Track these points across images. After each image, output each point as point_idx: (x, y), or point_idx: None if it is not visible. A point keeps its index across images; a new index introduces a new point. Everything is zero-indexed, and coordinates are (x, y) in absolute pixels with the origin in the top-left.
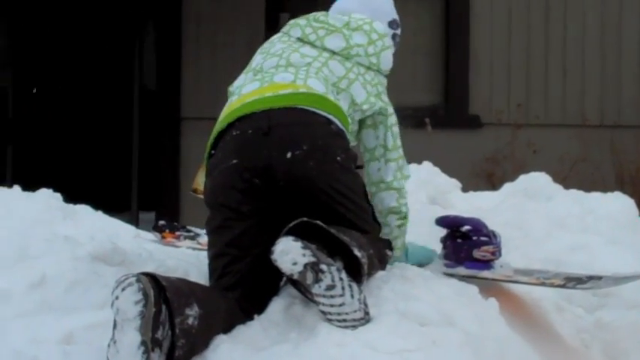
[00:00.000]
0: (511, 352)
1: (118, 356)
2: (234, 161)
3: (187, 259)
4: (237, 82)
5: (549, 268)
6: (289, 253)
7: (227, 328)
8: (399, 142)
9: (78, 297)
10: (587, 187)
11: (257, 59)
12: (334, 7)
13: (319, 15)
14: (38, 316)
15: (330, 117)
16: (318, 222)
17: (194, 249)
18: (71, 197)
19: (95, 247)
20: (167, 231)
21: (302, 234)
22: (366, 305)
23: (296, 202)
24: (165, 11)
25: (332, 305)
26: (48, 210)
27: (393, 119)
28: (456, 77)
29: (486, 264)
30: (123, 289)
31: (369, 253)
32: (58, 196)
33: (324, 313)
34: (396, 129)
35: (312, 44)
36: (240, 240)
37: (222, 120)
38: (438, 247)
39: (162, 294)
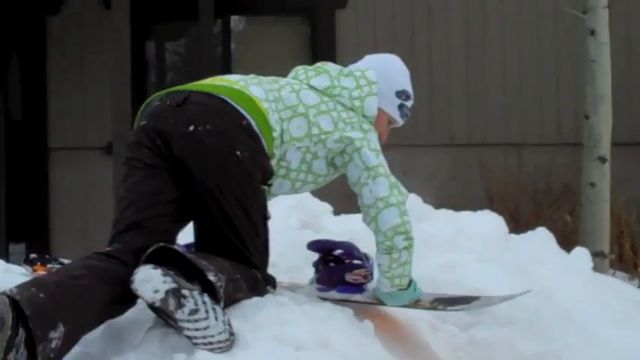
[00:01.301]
0: None
1: None
2: (144, 122)
3: None
4: None
5: (422, 288)
6: (150, 282)
7: (110, 312)
8: (381, 159)
9: None
10: (457, 206)
11: None
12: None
13: (321, 63)
14: None
15: (248, 116)
16: (175, 247)
17: None
18: None
19: None
20: (39, 264)
21: (161, 257)
22: (230, 326)
23: (187, 174)
24: (29, 43)
25: (197, 329)
26: None
27: (368, 144)
28: None
29: (359, 287)
30: None
31: (234, 277)
32: None
33: (189, 337)
34: (370, 152)
35: (297, 80)
36: (139, 185)
37: (158, 93)
38: (310, 272)
39: (21, 318)
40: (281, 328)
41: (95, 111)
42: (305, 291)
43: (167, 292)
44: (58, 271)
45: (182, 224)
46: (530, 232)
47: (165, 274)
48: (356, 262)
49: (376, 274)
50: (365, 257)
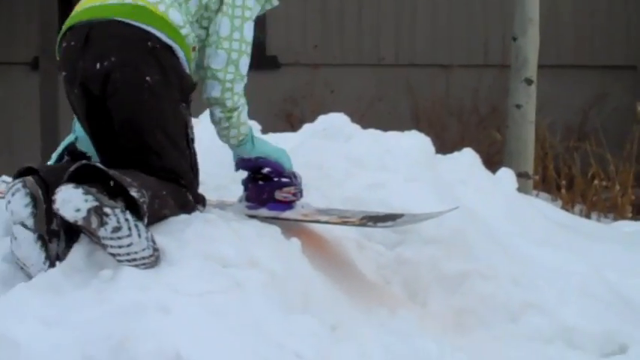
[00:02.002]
0: (315, 290)
1: (20, 251)
2: (64, 73)
3: None
4: None
5: (349, 207)
6: (71, 201)
7: None
8: (237, 36)
9: None
10: (385, 125)
11: None
12: None
13: None
14: None
15: (153, 31)
16: (97, 164)
17: None
18: None
19: None
20: None
21: (85, 176)
22: (154, 242)
23: (110, 112)
24: None
25: (120, 246)
26: None
27: (238, 12)
28: None
29: (288, 205)
30: (13, 194)
31: (160, 193)
32: None
33: (113, 255)
34: (239, 22)
35: None
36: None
37: (64, 26)
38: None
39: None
40: (208, 245)
41: (21, 25)
42: (233, 209)
43: (89, 211)
44: None
45: None
46: (456, 153)
47: (86, 193)
48: (285, 179)
49: (305, 192)
50: (293, 175)
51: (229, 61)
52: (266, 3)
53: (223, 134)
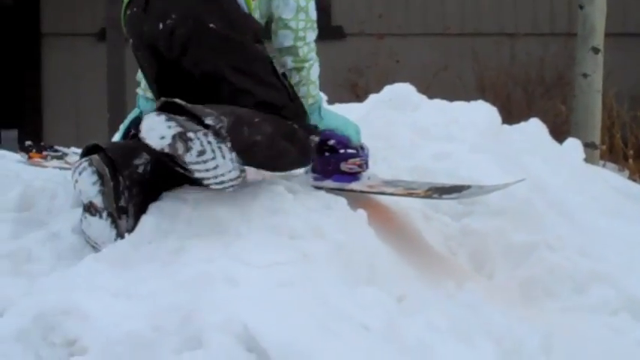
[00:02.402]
0: (381, 261)
1: (91, 229)
2: (131, 41)
3: (54, 179)
4: None
5: (416, 177)
6: (155, 129)
7: None
8: None
9: None
10: (450, 95)
11: None
12: None
13: None
14: None
15: None
16: (177, 100)
17: (61, 169)
18: None
19: None
20: (34, 151)
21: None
22: (240, 164)
23: (187, 69)
24: None
25: (207, 170)
26: None
27: None
28: None
29: (354, 176)
30: (80, 173)
31: (251, 120)
32: None
33: (201, 179)
34: None
35: None
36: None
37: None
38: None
39: (114, 165)
40: (275, 216)
41: None
42: (299, 180)
43: (174, 137)
44: None
45: None
46: (522, 123)
47: (169, 119)
48: (350, 151)
49: (371, 163)
50: (360, 146)
51: (299, 8)
52: None
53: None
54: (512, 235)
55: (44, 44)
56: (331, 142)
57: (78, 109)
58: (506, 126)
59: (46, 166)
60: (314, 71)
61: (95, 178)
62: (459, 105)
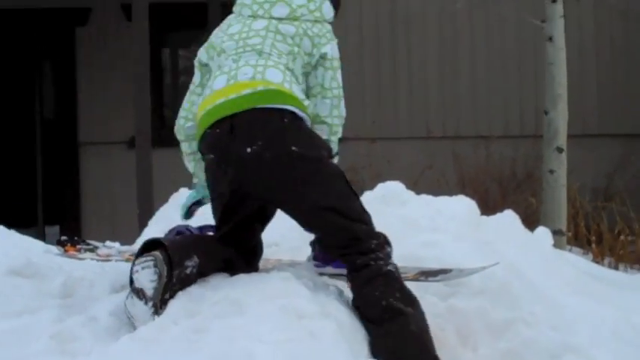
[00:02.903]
0: None
1: (134, 309)
2: (211, 156)
3: (92, 269)
4: (214, 74)
5: (406, 263)
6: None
7: (225, 269)
8: (334, 84)
9: None
10: (435, 191)
11: (217, 39)
12: None
13: None
14: None
15: (286, 107)
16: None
17: (97, 260)
18: None
19: (10, 262)
20: (69, 245)
21: None
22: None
23: (263, 186)
24: (60, 51)
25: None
26: None
27: (334, 63)
28: None
29: None
30: (142, 269)
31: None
32: None
33: None
34: (331, 73)
35: (261, 17)
36: (227, 214)
37: (200, 125)
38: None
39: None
40: (285, 298)
41: (119, 110)
42: (304, 267)
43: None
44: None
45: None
46: (498, 214)
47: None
48: None
49: None
50: None
51: (332, 106)
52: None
53: None
54: (492, 313)
55: (81, 151)
56: None
57: (112, 206)
58: (484, 217)
59: (80, 258)
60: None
61: (154, 277)
62: (443, 199)
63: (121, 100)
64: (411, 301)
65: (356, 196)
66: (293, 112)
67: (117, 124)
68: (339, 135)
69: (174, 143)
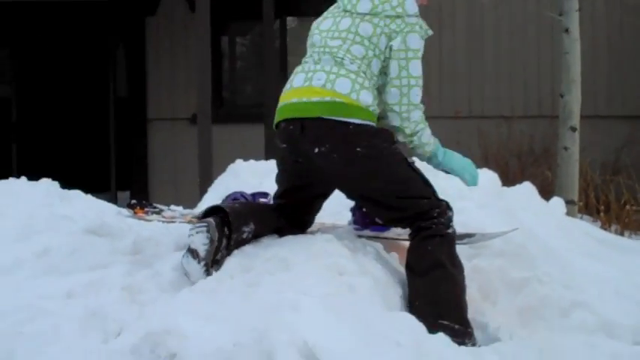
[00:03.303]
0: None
1: (189, 267)
2: (284, 145)
3: (158, 229)
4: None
5: None
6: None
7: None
8: (404, 73)
9: (75, 262)
10: None
11: (313, 29)
12: None
13: None
14: (44, 278)
15: (350, 120)
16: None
17: (162, 222)
18: (65, 184)
19: (87, 223)
20: (138, 208)
21: None
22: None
23: (334, 180)
24: (132, 38)
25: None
26: (48, 195)
27: (405, 54)
28: None
29: (386, 227)
30: (197, 232)
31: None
32: (56, 183)
33: None
34: (402, 62)
35: (349, 12)
36: (292, 190)
37: (278, 114)
38: (348, 215)
39: (225, 229)
40: (328, 258)
41: (183, 90)
42: (345, 230)
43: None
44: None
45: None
46: (517, 186)
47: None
48: None
49: None
50: None
51: (401, 94)
52: (425, 37)
53: (412, 152)
54: (511, 272)
55: (149, 126)
56: None
57: (175, 176)
58: (505, 188)
59: (148, 220)
60: (424, 137)
61: (207, 240)
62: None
63: (185, 81)
64: (458, 264)
65: (417, 174)
66: (356, 122)
67: (181, 103)
68: (417, 120)
69: (230, 120)
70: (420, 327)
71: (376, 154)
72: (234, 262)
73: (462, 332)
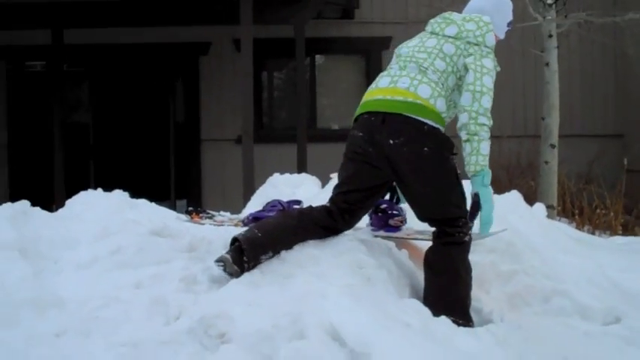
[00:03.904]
0: (418, 282)
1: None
2: (360, 134)
3: (211, 232)
4: (390, 67)
5: None
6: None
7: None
8: (478, 82)
9: (142, 258)
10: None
11: (401, 45)
12: (469, 5)
13: (447, 14)
14: (117, 272)
15: (426, 120)
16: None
17: (214, 225)
18: (134, 194)
19: (152, 226)
20: (194, 213)
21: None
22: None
23: (394, 169)
24: (188, 73)
25: None
26: (119, 203)
27: (479, 67)
28: None
29: (398, 228)
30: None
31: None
32: (126, 193)
33: None
34: (477, 74)
35: (436, 34)
36: (351, 179)
37: (361, 107)
38: (366, 219)
39: (244, 258)
40: (351, 254)
41: (230, 116)
42: (363, 231)
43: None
44: (283, 212)
45: (376, 199)
46: (506, 193)
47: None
48: (395, 212)
49: (408, 219)
50: (400, 209)
51: (474, 98)
52: (495, 70)
53: (467, 161)
54: (501, 265)
55: (202, 146)
56: (383, 206)
57: (224, 186)
58: (496, 195)
59: (202, 224)
60: (483, 146)
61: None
62: (465, 182)
63: (232, 108)
64: (468, 267)
65: (459, 183)
66: (430, 124)
67: (228, 126)
68: (483, 122)
69: (269, 140)
70: (427, 311)
71: (438, 158)
72: (273, 260)
73: (463, 326)
